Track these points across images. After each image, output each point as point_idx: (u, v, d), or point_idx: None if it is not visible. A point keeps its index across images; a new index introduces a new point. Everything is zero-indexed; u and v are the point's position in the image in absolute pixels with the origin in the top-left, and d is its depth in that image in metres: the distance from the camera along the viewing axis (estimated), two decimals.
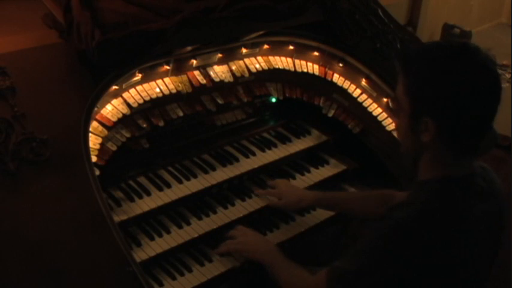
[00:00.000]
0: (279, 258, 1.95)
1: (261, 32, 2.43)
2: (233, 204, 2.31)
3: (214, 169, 2.36)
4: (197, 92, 2.35)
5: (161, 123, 2.26)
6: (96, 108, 2.02)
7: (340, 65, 2.61)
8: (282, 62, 2.60)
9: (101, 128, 2.06)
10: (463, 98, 1.50)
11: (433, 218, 1.56)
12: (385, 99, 2.55)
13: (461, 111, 1.51)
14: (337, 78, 2.62)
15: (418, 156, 1.67)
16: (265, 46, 2.54)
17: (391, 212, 1.64)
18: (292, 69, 2.62)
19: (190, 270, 2.07)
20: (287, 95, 2.66)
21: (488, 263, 1.73)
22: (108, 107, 2.10)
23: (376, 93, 2.56)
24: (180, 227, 2.16)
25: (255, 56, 2.53)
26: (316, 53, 2.63)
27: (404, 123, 1.63)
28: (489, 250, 1.71)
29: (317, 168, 2.60)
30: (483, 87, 1.51)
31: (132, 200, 2.14)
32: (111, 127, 2.09)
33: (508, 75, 6.02)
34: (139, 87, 2.18)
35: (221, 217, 2.24)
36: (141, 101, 2.16)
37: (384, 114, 2.56)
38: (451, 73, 1.52)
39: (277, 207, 2.32)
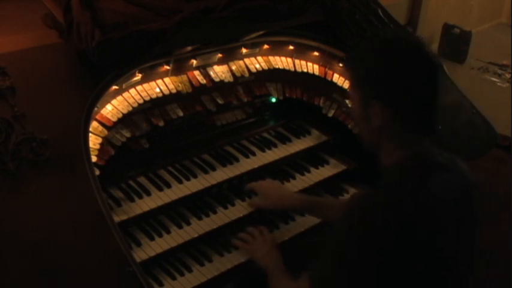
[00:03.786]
0: (273, 264, 2.00)
1: (261, 32, 2.44)
2: (233, 204, 2.31)
3: (214, 169, 2.36)
4: (197, 92, 2.35)
5: (161, 123, 2.26)
6: (96, 108, 2.02)
7: (340, 65, 2.61)
8: (282, 62, 2.60)
9: (101, 128, 2.06)
10: (400, 75, 1.64)
11: (396, 202, 1.61)
12: None
13: (400, 87, 1.64)
14: (337, 78, 2.62)
15: (379, 145, 1.74)
16: (265, 46, 2.54)
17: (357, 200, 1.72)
18: (292, 69, 2.62)
19: (190, 270, 2.08)
20: (287, 95, 2.66)
21: (463, 249, 1.72)
22: (108, 107, 2.10)
23: None
24: (180, 227, 2.16)
25: (255, 56, 2.53)
26: (316, 53, 2.63)
27: (358, 114, 1.74)
28: (461, 237, 1.71)
29: (317, 168, 2.60)
30: (417, 65, 1.66)
31: (132, 200, 2.14)
32: (111, 127, 2.09)
33: (508, 75, 6.01)
34: (139, 87, 2.18)
35: (221, 217, 2.24)
36: (141, 101, 2.17)
37: None
38: (387, 56, 1.67)
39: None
